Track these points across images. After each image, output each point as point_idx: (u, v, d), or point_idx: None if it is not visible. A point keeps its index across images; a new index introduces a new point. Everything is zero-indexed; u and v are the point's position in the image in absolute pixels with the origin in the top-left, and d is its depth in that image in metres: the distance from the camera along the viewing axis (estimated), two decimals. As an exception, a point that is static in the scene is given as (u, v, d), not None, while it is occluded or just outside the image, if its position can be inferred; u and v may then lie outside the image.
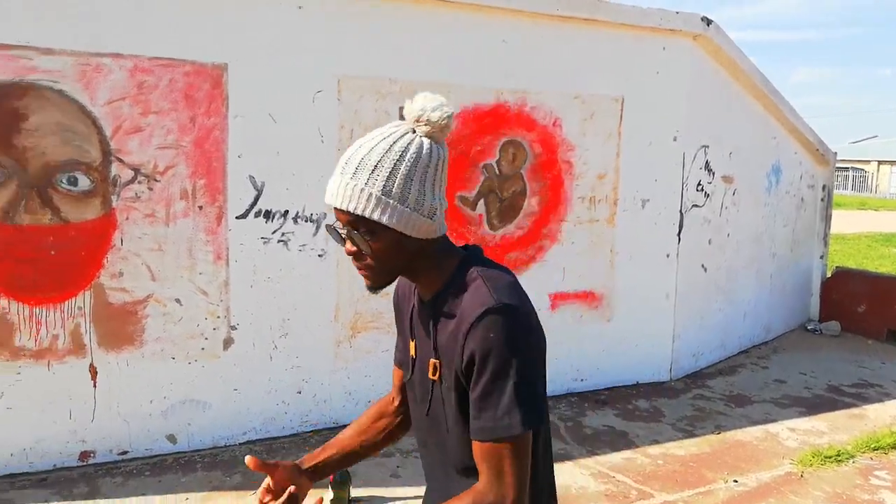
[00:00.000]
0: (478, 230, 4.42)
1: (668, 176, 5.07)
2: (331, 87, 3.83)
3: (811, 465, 3.87)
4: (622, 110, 4.85)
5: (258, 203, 3.72)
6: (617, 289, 4.95)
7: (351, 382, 4.11)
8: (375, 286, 1.25)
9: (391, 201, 1.14)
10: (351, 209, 1.15)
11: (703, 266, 5.48)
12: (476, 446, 1.16)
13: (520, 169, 4.54)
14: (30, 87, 3.17)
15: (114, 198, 3.42)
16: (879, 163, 42.55)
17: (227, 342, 3.74)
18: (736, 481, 3.65)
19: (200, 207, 3.60)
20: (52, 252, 3.32)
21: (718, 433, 4.30)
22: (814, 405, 4.89)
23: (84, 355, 3.44)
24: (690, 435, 4.24)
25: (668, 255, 5.12)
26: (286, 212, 3.79)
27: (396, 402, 1.51)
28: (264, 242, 3.76)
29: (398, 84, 4.01)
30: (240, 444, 3.83)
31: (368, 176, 1.13)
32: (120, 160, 3.41)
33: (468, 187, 4.35)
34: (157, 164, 3.48)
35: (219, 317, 3.70)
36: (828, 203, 7.30)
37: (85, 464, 3.50)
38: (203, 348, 3.68)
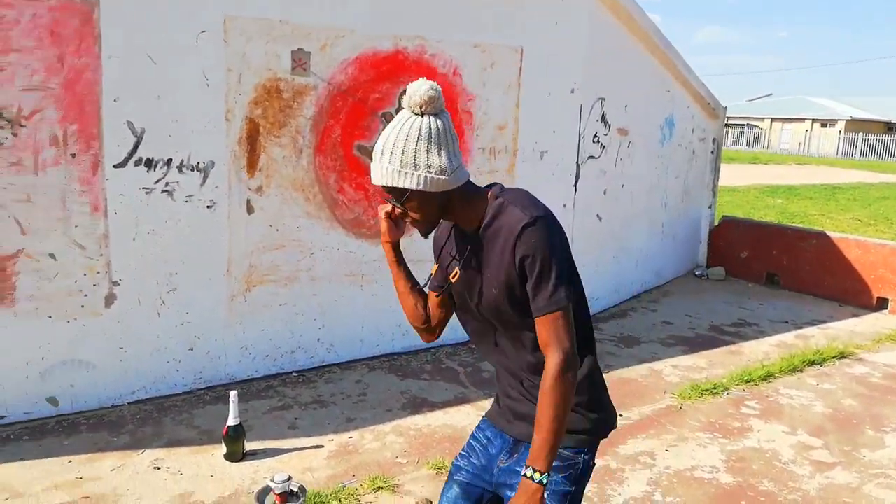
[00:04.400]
0: (377, 180, 4.36)
1: (566, 127, 5.17)
2: (216, 28, 3.62)
3: (689, 398, 4.16)
4: (522, 61, 4.86)
5: (138, 151, 3.50)
6: (517, 238, 5.04)
7: (247, 337, 4.02)
8: (423, 232, 1.66)
9: (406, 170, 1.53)
10: (385, 183, 1.55)
11: (598, 216, 5.67)
12: (537, 321, 1.56)
13: (420, 118, 4.48)
14: None
15: (-29, 144, 3.12)
16: (772, 120, 45.21)
17: (110, 299, 3.56)
18: (621, 415, 3.87)
19: (73, 155, 3.35)
20: None
21: (607, 372, 4.51)
22: (696, 344, 5.23)
23: (-54, 316, 3.18)
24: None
25: (564, 206, 5.26)
26: (170, 160, 3.59)
27: (433, 317, 1.87)
28: (146, 193, 3.56)
29: (290, 26, 3.84)
30: (128, 403, 3.69)
31: (389, 156, 1.53)
32: (-24, 103, 3.11)
33: (367, 136, 4.27)
34: (21, 107, 3.20)
35: (98, 272, 3.50)
36: (717, 155, 7.68)
37: (-46, 431, 3.28)
38: (83, 306, 3.49)
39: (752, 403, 4.17)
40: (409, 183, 1.54)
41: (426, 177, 1.54)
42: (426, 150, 1.54)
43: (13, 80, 3.16)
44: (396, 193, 1.58)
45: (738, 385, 4.43)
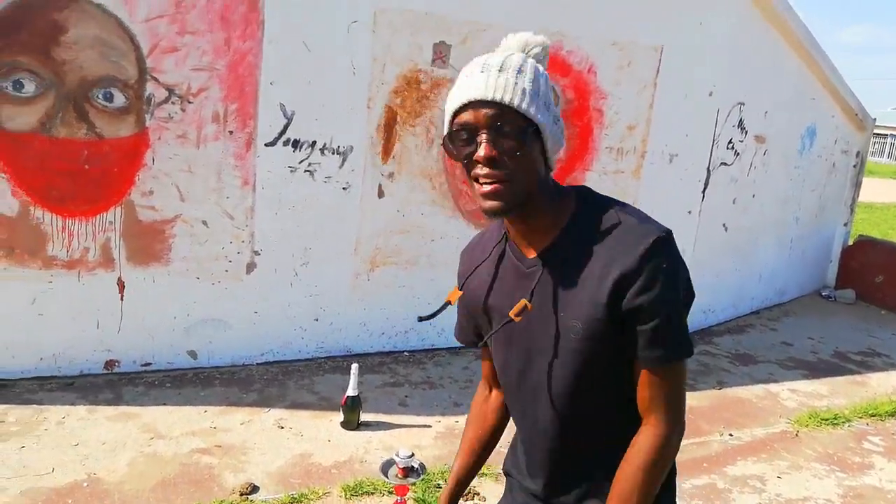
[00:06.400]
0: (502, 173, 4.42)
1: (700, 131, 5.00)
2: (366, 18, 3.79)
3: (807, 425, 3.97)
4: (660, 60, 4.74)
5: (287, 132, 3.74)
6: (635, 241, 4.96)
7: (366, 314, 4.23)
8: (507, 203, 1.07)
9: (541, 101, 1.06)
10: (506, 100, 1.04)
11: (724, 225, 5.46)
12: (646, 374, 1.10)
13: (549, 114, 4.49)
14: (69, -1, 3.18)
15: (147, 116, 3.46)
16: (921, 130, 41.10)
17: (250, 266, 3.85)
18: (731, 435, 3.77)
19: (231, 132, 3.64)
20: (86, 166, 3.39)
21: (719, 388, 4.40)
22: (818, 369, 4.96)
23: (113, 269, 3.56)
24: (692, 388, 4.34)
25: (690, 212, 5.10)
26: (314, 142, 3.82)
27: (495, 394, 1.44)
28: (291, 171, 3.81)
29: (434, 18, 3.95)
30: (257, 364, 4.00)
31: (516, 73, 1.05)
32: (155, 79, 3.43)
33: (496, 129, 4.32)
34: (190, 85, 3.50)
35: (243, 241, 3.80)
36: (860, 170, 7.17)
37: (110, 372, 3.68)
38: (227, 270, 3.80)
39: (875, 439, 3.93)
40: (540, 114, 1.05)
41: (555, 124, 1.10)
42: (552, 90, 1.10)
43: (185, 60, 3.46)
44: (505, 122, 1.05)
45: (861, 418, 4.17)
